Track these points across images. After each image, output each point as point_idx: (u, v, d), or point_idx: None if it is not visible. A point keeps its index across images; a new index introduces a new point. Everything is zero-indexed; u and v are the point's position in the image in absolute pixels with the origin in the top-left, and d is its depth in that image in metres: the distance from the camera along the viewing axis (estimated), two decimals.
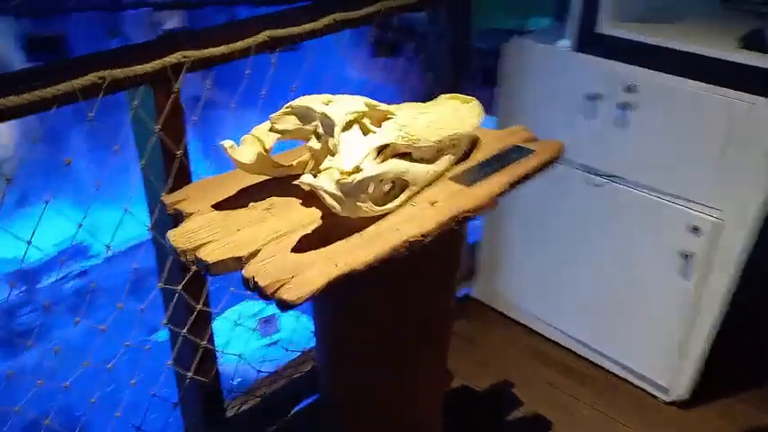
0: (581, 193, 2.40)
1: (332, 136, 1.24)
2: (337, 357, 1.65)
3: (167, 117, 1.54)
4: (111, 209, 1.65)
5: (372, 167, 1.23)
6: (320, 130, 1.29)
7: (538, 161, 1.56)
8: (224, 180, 1.45)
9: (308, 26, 1.73)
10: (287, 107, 1.32)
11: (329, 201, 1.18)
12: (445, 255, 1.53)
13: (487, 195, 1.41)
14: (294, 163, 1.44)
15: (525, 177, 1.51)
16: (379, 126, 1.33)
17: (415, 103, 1.56)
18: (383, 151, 1.30)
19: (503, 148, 1.62)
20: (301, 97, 1.33)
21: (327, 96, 1.34)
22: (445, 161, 1.47)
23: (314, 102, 1.31)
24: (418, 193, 1.40)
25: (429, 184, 1.43)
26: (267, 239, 1.25)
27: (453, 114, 1.52)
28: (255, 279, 1.14)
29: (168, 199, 1.40)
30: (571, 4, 2.21)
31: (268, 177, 1.45)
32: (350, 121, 1.25)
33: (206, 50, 1.54)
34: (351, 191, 1.20)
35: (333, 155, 1.23)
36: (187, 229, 1.29)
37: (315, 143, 1.32)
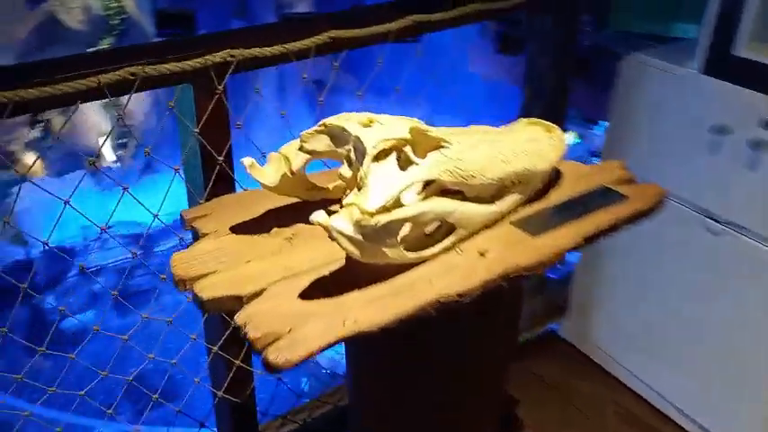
0: (695, 239, 2.05)
1: (362, 165, 1.04)
2: (369, 401, 1.45)
3: (208, 119, 1.40)
4: None
5: (406, 207, 1.02)
6: (353, 156, 1.09)
7: (628, 212, 1.27)
8: (255, 197, 1.29)
9: (380, 28, 1.53)
10: (320, 125, 1.13)
11: (345, 245, 0.99)
12: (495, 311, 1.28)
13: (553, 250, 1.15)
14: (331, 186, 1.25)
15: (608, 231, 1.24)
16: (425, 156, 1.12)
17: (484, 128, 1.32)
18: (428, 186, 1.08)
19: (588, 189, 1.35)
20: (340, 114, 1.14)
21: (370, 116, 1.13)
22: (509, 201, 1.23)
23: (351, 122, 1.11)
24: (468, 238, 1.16)
25: (484, 227, 1.19)
26: (277, 277, 1.07)
27: (528, 146, 1.26)
28: (246, 328, 0.97)
29: (188, 214, 1.26)
30: (704, 18, 1.86)
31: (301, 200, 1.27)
32: (385, 149, 1.04)
33: (256, 50, 1.38)
34: (374, 235, 0.99)
35: (360, 188, 1.02)
36: (195, 253, 1.14)
37: (346, 170, 1.12)
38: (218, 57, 1.35)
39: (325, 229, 0.97)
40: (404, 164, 1.09)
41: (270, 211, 1.25)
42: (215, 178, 1.47)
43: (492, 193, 1.19)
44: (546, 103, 2.14)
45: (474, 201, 1.15)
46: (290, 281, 1.07)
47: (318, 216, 0.97)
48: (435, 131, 1.13)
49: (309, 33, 1.45)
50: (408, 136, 1.07)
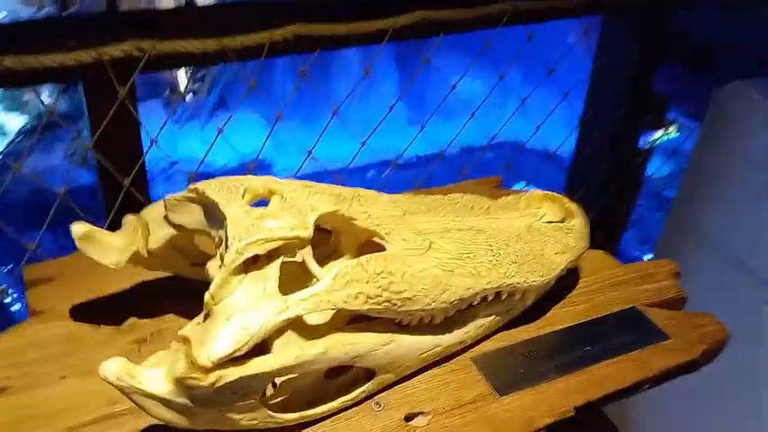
0: None
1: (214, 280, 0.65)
2: None
3: (105, 131, 1.04)
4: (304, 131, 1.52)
5: (271, 357, 0.64)
6: (223, 251, 0.70)
7: (665, 364, 0.84)
8: None
9: (342, 27, 1.12)
10: (191, 189, 0.74)
11: (158, 413, 0.62)
12: None
13: (525, 426, 0.75)
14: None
15: (620, 395, 0.81)
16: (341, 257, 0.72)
17: (469, 199, 0.91)
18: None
19: (610, 309, 0.92)
20: (222, 179, 0.75)
21: (271, 183, 0.74)
22: (476, 327, 0.82)
23: (230, 193, 0.72)
24: (398, 382, 0.77)
25: (427, 366, 0.80)
26: (89, 418, 0.71)
27: (525, 243, 0.84)
28: None
29: (29, 273, 0.91)
30: None
31: None
32: (256, 256, 0.65)
33: (173, 43, 0.99)
34: (213, 397, 0.62)
35: (205, 317, 0.64)
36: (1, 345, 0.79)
37: (214, 268, 0.73)
38: (119, 50, 0.97)
39: (119, 389, 0.60)
40: (296, 277, 0.70)
41: (141, 285, 0.89)
42: (119, 205, 1.11)
43: (448, 316, 0.78)
44: (623, 79, 1.64)
45: (414, 329, 0.75)
46: (97, 425, 0.71)
47: (108, 368, 0.60)
48: (370, 217, 0.74)
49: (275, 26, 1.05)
50: (308, 232, 0.68)
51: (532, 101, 1.59)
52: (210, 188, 0.72)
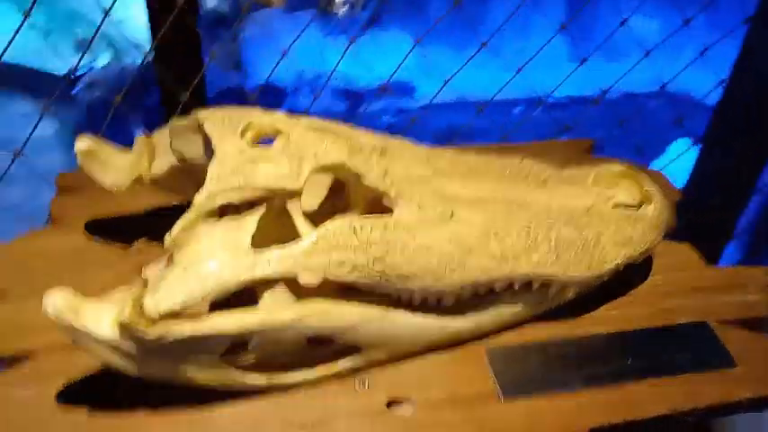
0: None
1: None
2: None
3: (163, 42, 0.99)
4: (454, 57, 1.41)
5: (225, 317, 0.57)
6: None
7: (720, 397, 0.69)
8: None
9: None
10: (191, 117, 0.68)
11: (104, 355, 0.58)
12: None
13: None
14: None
15: (662, 421, 0.68)
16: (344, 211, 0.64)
17: (525, 165, 0.78)
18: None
19: (677, 321, 0.77)
20: (230, 108, 0.68)
21: (280, 122, 0.66)
22: (493, 317, 0.71)
23: (229, 130, 0.64)
24: (390, 362, 0.69)
25: (430, 350, 0.70)
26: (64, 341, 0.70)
27: (574, 228, 0.71)
28: None
29: (62, 179, 0.90)
30: None
31: None
32: (227, 206, 0.58)
33: None
34: (161, 349, 0.57)
35: (168, 261, 0.59)
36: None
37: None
38: None
39: (59, 326, 0.56)
40: (279, 231, 0.62)
41: (165, 208, 0.85)
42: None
43: (461, 299, 0.68)
44: None
45: (415, 308, 0.66)
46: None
47: (50, 300, 0.56)
48: (395, 171, 0.65)
49: None
50: (297, 184, 0.59)
51: (716, 52, 1.35)
52: (210, 119, 0.65)
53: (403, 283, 0.62)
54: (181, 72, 1.03)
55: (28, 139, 0.97)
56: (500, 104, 1.75)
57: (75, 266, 0.77)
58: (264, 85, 1.32)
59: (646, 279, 0.82)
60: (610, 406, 0.67)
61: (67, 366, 0.65)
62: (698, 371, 0.71)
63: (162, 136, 0.73)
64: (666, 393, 0.68)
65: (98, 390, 0.64)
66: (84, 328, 0.55)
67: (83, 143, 0.71)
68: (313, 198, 0.75)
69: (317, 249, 0.58)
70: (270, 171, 0.59)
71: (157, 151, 0.73)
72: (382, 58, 1.39)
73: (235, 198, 0.58)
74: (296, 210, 0.62)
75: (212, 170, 0.59)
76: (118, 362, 0.58)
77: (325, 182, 0.74)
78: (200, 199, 0.57)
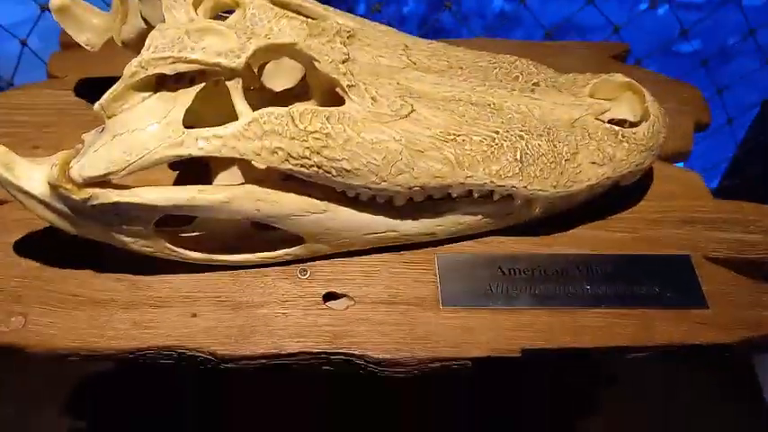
0: None
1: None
2: None
3: None
4: None
5: (148, 190, 0.58)
6: None
7: (675, 338, 0.65)
8: None
9: None
10: None
11: (37, 211, 0.60)
12: None
13: (450, 350, 0.63)
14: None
15: (605, 354, 0.65)
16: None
17: (500, 66, 0.72)
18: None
19: (659, 251, 0.72)
20: None
21: None
22: (450, 223, 0.68)
23: None
24: (330, 258, 0.68)
25: (381, 249, 0.69)
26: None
27: (549, 140, 0.66)
28: None
29: (64, 35, 0.90)
30: None
31: None
32: (180, 75, 0.57)
33: None
34: (87, 213, 0.58)
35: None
36: None
37: None
38: None
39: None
40: (220, 110, 0.61)
41: None
42: None
43: (415, 201, 0.66)
44: None
45: (362, 205, 0.64)
46: None
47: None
48: (359, 58, 0.62)
49: None
50: (236, 62, 0.57)
51: None
52: None
53: (344, 178, 0.60)
54: None
55: None
56: None
57: (57, 123, 0.79)
58: None
59: (637, 203, 0.76)
60: (550, 330, 0.64)
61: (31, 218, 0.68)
62: (662, 307, 0.66)
63: None
64: (617, 326, 0.65)
65: (54, 244, 0.67)
66: (17, 182, 0.57)
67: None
68: (284, 80, 0.73)
69: (248, 134, 0.57)
70: (211, 45, 0.56)
71: (130, 14, 0.71)
72: None
73: (166, 69, 0.56)
74: (236, 90, 0.60)
75: (151, 38, 0.57)
76: (55, 219, 0.60)
77: (296, 64, 0.71)
78: (129, 69, 0.56)
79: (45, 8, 1.06)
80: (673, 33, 1.30)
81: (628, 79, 0.71)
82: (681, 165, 0.82)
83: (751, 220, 0.75)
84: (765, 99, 1.41)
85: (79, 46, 0.84)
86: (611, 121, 0.69)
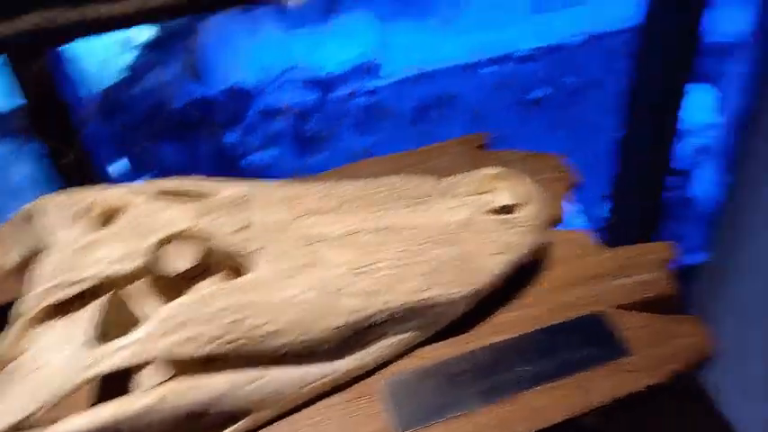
0: None
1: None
2: None
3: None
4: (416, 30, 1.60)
5: (77, 419, 0.56)
6: None
7: (611, 392, 0.69)
8: None
9: None
10: (22, 214, 0.65)
11: None
12: None
13: None
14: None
15: (560, 427, 0.68)
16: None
17: (385, 182, 0.76)
18: None
19: (576, 314, 0.76)
20: (69, 193, 0.65)
21: (129, 194, 0.64)
22: (381, 349, 0.70)
23: (66, 216, 0.62)
24: (275, 421, 0.67)
25: (322, 395, 0.69)
26: None
27: (450, 245, 0.70)
28: None
29: None
30: None
31: None
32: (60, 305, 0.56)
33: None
34: None
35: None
36: None
37: None
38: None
39: None
40: (131, 316, 0.61)
41: None
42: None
43: (342, 340, 0.67)
44: None
45: (293, 360, 0.65)
46: None
47: None
48: (256, 220, 0.63)
49: None
50: (134, 264, 0.57)
51: None
52: (43, 209, 0.62)
53: (269, 342, 0.61)
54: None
55: None
56: (467, 68, 1.74)
57: None
58: (228, 89, 1.37)
59: (542, 275, 0.81)
60: (506, 421, 0.66)
61: None
62: (594, 366, 0.70)
63: (8, 227, 0.70)
64: (562, 396, 0.68)
65: None
66: None
67: None
68: (186, 260, 0.73)
69: (164, 330, 0.57)
70: (101, 257, 0.57)
71: (7, 243, 0.70)
72: (346, 39, 1.44)
73: (62, 296, 0.56)
74: (141, 291, 0.60)
75: (40, 269, 0.56)
76: None
77: (189, 248, 0.72)
78: (23, 308, 0.55)
79: None
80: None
81: (496, 170, 0.77)
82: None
83: (645, 260, 0.81)
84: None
85: None
86: (500, 209, 0.74)
